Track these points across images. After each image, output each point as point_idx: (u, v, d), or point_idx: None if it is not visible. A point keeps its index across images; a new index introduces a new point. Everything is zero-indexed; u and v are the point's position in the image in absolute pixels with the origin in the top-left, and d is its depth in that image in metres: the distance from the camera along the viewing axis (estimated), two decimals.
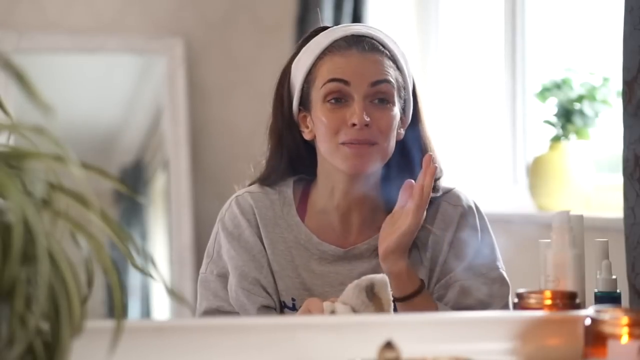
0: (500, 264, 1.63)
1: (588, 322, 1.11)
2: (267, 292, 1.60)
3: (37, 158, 0.84)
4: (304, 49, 1.65)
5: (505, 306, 1.60)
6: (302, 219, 1.65)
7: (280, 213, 1.64)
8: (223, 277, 1.62)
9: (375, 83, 1.57)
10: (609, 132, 2.68)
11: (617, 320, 1.08)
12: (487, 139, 3.32)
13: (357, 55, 1.58)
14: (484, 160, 3.34)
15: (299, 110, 1.64)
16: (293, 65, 1.65)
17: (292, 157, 1.67)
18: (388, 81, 1.58)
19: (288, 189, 1.66)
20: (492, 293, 1.60)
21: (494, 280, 1.61)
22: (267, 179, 1.67)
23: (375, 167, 1.60)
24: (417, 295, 1.56)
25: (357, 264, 1.62)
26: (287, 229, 1.63)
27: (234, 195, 1.67)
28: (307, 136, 1.64)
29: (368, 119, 1.55)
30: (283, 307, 1.62)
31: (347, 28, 1.63)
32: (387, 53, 1.60)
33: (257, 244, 1.62)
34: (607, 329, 1.08)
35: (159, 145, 3.63)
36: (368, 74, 1.57)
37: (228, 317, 1.59)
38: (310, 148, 1.66)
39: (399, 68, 1.61)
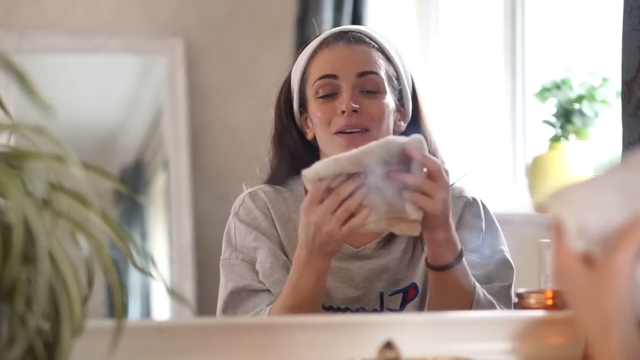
0: (506, 248, 1.64)
1: None
2: None
3: (38, 158, 0.84)
4: (300, 54, 1.69)
5: (509, 289, 1.60)
6: None
7: (294, 207, 1.64)
8: (249, 262, 1.62)
9: (362, 73, 1.61)
10: (608, 132, 2.67)
11: None
12: (487, 139, 3.32)
13: (343, 48, 1.63)
14: (484, 160, 3.33)
15: (300, 112, 1.67)
16: (292, 72, 1.69)
17: (295, 161, 1.67)
18: (375, 70, 1.62)
19: (299, 187, 1.66)
20: (496, 271, 1.60)
21: (498, 261, 1.61)
22: (275, 180, 1.68)
23: None
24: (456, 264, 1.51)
25: (367, 262, 1.62)
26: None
27: (246, 192, 1.67)
28: (309, 136, 1.66)
29: (357, 106, 1.58)
30: None
31: (338, 27, 1.70)
32: (375, 45, 1.65)
33: (275, 235, 1.62)
34: None
35: (159, 145, 3.63)
36: (355, 64, 1.62)
37: (228, 318, 1.59)
38: (313, 151, 1.67)
39: (389, 59, 1.65)
